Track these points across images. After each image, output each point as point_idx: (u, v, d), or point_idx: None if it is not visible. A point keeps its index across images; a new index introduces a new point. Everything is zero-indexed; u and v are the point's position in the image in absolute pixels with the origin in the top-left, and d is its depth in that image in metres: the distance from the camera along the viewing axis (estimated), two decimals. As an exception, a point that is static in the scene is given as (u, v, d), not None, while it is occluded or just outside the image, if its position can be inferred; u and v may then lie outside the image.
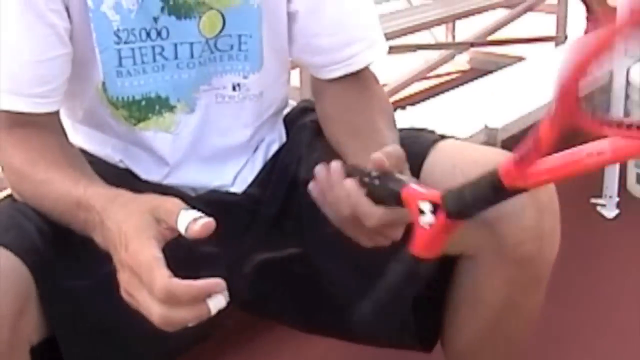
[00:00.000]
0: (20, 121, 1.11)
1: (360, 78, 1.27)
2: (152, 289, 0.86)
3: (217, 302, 0.86)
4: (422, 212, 0.90)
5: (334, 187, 0.99)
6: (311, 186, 1.04)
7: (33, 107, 1.11)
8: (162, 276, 0.85)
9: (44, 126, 1.13)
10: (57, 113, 1.16)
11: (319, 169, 1.02)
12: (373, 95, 1.26)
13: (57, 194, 1.04)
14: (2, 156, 1.13)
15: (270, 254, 1.24)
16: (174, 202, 0.93)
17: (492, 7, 4.25)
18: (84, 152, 1.23)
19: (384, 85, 3.63)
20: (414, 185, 0.94)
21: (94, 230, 0.98)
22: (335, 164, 1.01)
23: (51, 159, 1.09)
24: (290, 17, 1.23)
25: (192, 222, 0.89)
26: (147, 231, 0.91)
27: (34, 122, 1.12)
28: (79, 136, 1.26)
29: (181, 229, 0.90)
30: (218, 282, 0.86)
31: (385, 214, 0.96)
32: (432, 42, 4.37)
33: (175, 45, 1.17)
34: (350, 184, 0.97)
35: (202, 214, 0.90)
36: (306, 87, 1.29)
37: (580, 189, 2.59)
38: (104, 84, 1.17)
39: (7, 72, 1.09)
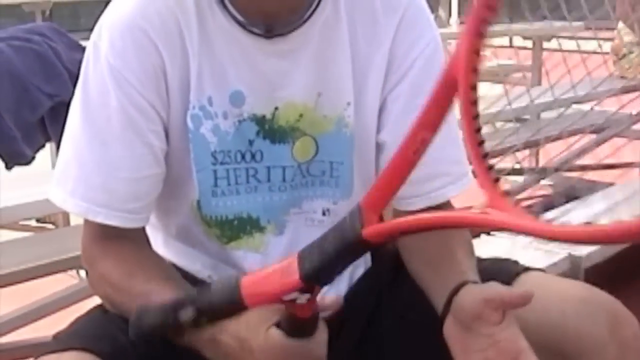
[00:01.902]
0: (112, 233, 1.15)
1: (440, 209, 1.25)
2: None
3: None
4: (294, 300, 0.89)
5: None
6: None
7: (125, 222, 1.15)
8: None
9: (134, 238, 1.17)
10: (144, 227, 1.20)
11: None
12: None
13: None
14: (97, 268, 1.16)
15: None
16: None
17: (578, 132, 4.25)
18: (173, 266, 1.26)
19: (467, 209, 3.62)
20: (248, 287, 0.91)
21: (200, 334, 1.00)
22: None
23: (148, 272, 1.13)
24: (379, 147, 1.25)
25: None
26: None
27: (126, 235, 1.16)
28: (170, 251, 1.30)
29: None
30: None
31: None
32: (516, 165, 4.37)
33: (269, 168, 1.20)
34: None
35: None
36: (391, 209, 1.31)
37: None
38: (198, 202, 1.20)
39: (104, 186, 1.13)
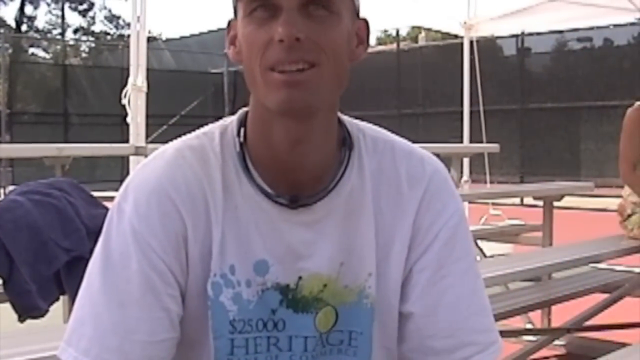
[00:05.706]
0: None
1: None
2: None
3: None
4: None
5: None
6: None
7: None
8: None
9: None
10: None
11: None
12: None
13: None
14: None
15: None
16: None
17: (589, 292, 4.24)
18: None
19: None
20: None
21: None
22: None
23: None
24: (404, 317, 1.23)
25: None
26: None
27: None
28: None
29: None
30: None
31: None
32: (528, 325, 4.34)
33: (291, 337, 1.19)
34: None
35: None
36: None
37: None
38: None
39: (119, 348, 1.12)
